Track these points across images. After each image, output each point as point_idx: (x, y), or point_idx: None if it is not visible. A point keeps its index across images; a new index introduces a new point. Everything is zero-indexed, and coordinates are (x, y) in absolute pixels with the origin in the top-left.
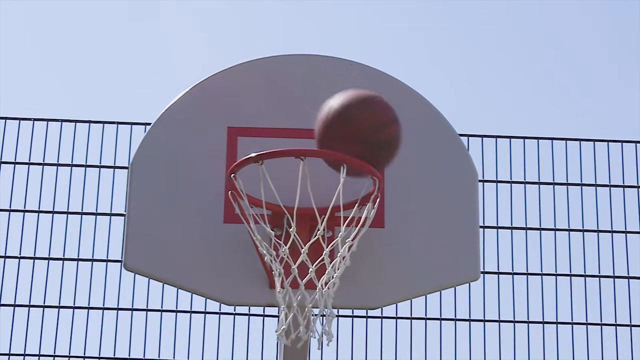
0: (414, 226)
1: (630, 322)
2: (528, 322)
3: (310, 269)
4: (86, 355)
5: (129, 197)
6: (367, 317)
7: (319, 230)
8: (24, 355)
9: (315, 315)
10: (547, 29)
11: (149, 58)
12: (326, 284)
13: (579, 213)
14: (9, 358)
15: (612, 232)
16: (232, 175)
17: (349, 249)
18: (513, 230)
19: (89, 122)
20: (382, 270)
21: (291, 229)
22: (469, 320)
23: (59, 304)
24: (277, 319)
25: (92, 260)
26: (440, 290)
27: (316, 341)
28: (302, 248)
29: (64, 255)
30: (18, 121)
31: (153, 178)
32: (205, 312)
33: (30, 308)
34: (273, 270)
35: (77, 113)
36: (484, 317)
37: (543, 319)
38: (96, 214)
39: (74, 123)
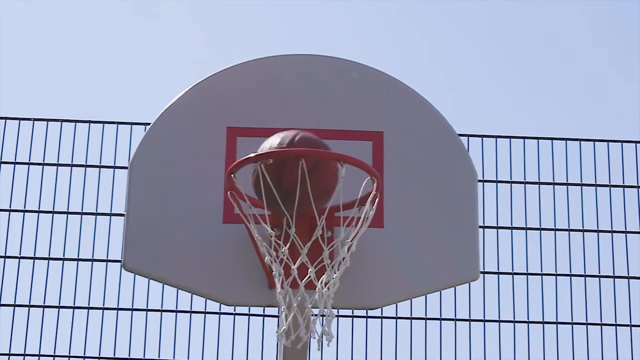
0: (413, 226)
1: (630, 322)
2: (528, 322)
3: (310, 270)
4: (86, 355)
5: (128, 197)
6: (367, 317)
7: (318, 230)
8: (24, 355)
9: (315, 315)
10: (547, 29)
11: (148, 58)
12: (326, 284)
13: (579, 213)
14: (9, 358)
15: (612, 232)
16: (231, 175)
17: (348, 249)
18: (513, 230)
19: (89, 122)
20: (382, 270)
21: (290, 230)
22: (469, 320)
23: (59, 304)
24: (277, 319)
25: (92, 260)
26: (440, 290)
27: (316, 342)
28: (302, 249)
29: (64, 255)
30: (18, 121)
31: (153, 178)
32: (205, 312)
33: (30, 308)
34: (273, 271)
35: (77, 113)
36: (484, 317)
37: (543, 319)
38: (96, 214)
39: (74, 123)
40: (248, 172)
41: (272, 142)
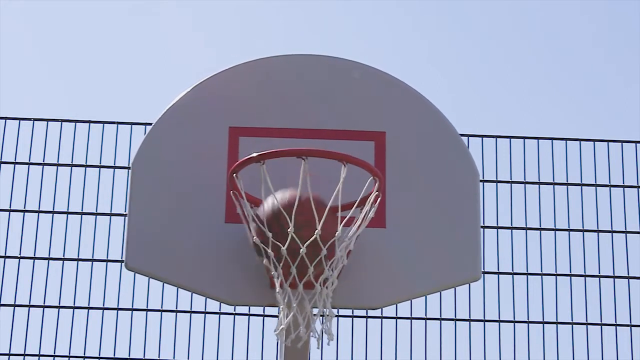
0: (414, 226)
1: (630, 322)
2: (528, 322)
3: (310, 268)
4: (86, 355)
5: (129, 197)
6: (367, 317)
7: (317, 232)
8: (24, 355)
9: (315, 315)
10: (547, 29)
11: (149, 58)
12: (324, 283)
13: (579, 213)
14: (9, 358)
15: (612, 232)
16: (233, 175)
17: (346, 248)
18: (513, 230)
19: (89, 122)
20: (382, 270)
21: (289, 229)
22: (469, 320)
23: (59, 304)
24: (277, 319)
25: (92, 260)
26: (441, 291)
27: (316, 341)
28: (301, 248)
29: (64, 255)
30: (18, 121)
31: (154, 178)
32: (205, 312)
33: (30, 308)
34: (272, 271)
35: (77, 113)
36: (484, 317)
37: (543, 319)
38: (96, 214)
39: (74, 123)
40: (250, 172)
41: (281, 198)
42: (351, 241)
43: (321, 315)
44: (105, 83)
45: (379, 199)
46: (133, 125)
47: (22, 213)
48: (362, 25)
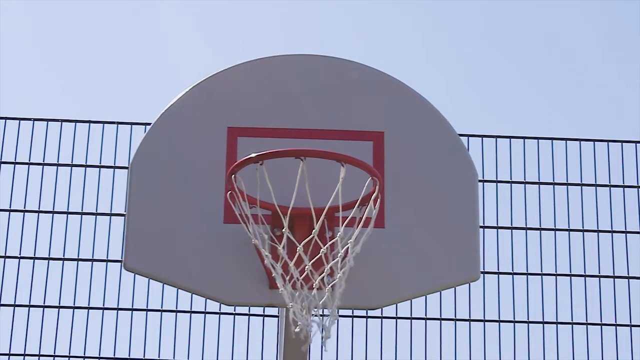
0: (414, 226)
1: (630, 322)
2: (528, 322)
3: (307, 267)
4: (86, 355)
5: (129, 197)
6: (367, 317)
7: (316, 230)
8: (24, 355)
9: (316, 315)
10: (547, 29)
11: (149, 58)
12: (328, 284)
13: (579, 213)
14: (9, 358)
15: (612, 232)
16: (232, 176)
17: (347, 252)
18: (513, 230)
19: (89, 122)
20: (382, 270)
21: (284, 229)
22: (469, 320)
23: (59, 304)
24: (277, 319)
25: (92, 260)
26: (440, 290)
27: (316, 340)
28: (305, 250)
29: (64, 255)
30: (18, 121)
31: (153, 178)
32: (205, 312)
33: (30, 308)
34: (272, 272)
35: (77, 113)
36: (484, 317)
37: (543, 319)
38: (96, 214)
39: (74, 123)
40: (249, 173)
41: None
42: (357, 243)
43: (322, 315)
44: (105, 83)
45: (379, 199)
46: (133, 125)
47: (22, 213)
48: (362, 25)
